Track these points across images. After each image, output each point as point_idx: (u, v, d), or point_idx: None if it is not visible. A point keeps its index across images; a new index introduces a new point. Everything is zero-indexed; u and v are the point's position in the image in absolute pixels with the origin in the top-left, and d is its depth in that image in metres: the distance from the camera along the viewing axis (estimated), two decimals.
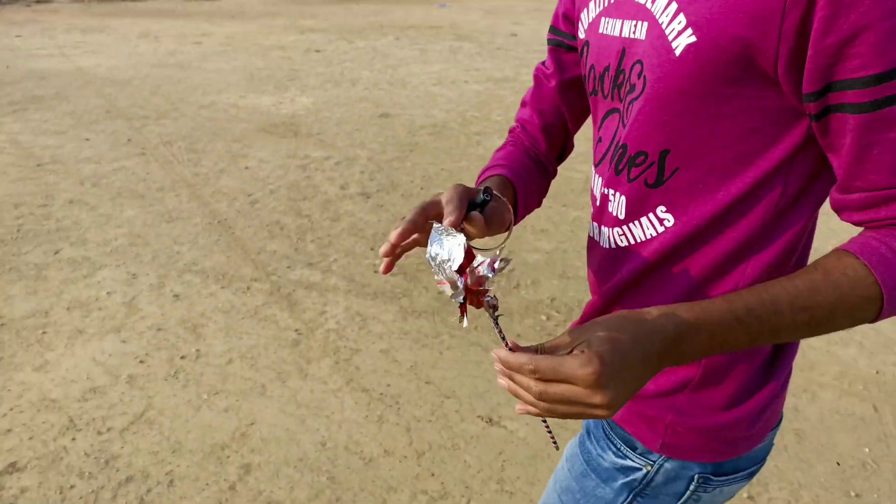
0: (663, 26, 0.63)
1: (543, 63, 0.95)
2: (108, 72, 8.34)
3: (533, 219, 3.74)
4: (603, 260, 0.81)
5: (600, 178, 0.80)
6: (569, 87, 0.91)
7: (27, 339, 2.62)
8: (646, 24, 0.66)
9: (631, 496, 0.81)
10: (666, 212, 0.71)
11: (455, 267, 0.57)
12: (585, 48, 0.80)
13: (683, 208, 0.69)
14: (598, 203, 0.82)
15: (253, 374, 2.45)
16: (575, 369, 0.51)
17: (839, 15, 0.52)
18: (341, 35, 12.79)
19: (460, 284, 0.58)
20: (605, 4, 0.75)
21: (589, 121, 0.93)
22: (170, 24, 14.55)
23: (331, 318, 2.85)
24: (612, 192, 0.76)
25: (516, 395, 0.57)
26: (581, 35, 0.82)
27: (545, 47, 0.97)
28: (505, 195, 0.80)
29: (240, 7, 19.69)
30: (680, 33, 0.61)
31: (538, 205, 0.95)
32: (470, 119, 6.18)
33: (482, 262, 0.59)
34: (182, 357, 2.54)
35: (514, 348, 0.56)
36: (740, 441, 0.76)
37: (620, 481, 0.81)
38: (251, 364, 2.51)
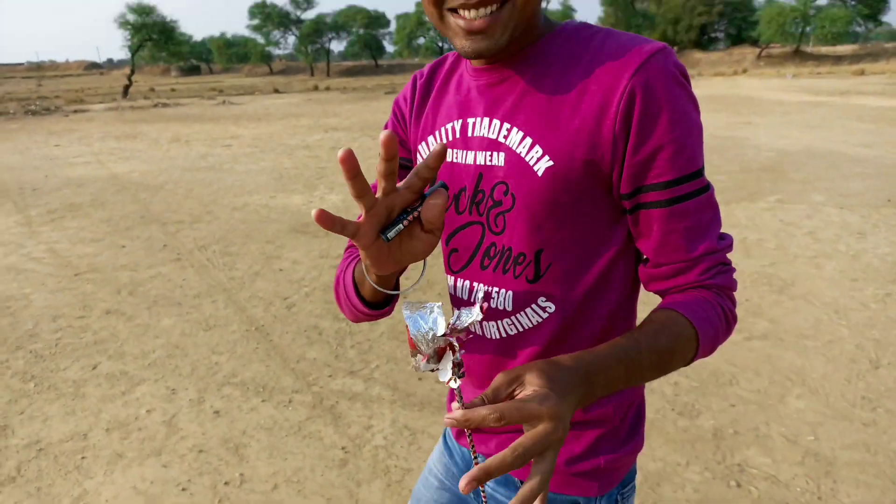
0: (522, 155, 0.78)
1: None
2: (141, 177, 8.61)
3: None
4: (496, 349, 0.89)
5: (469, 282, 0.89)
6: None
7: (65, 466, 2.51)
8: (503, 153, 0.80)
9: None
10: (546, 301, 0.83)
11: (440, 332, 0.61)
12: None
13: (561, 296, 0.83)
14: (473, 297, 0.89)
15: (301, 501, 2.30)
16: (537, 406, 0.57)
17: (643, 140, 0.72)
18: (363, 132, 13.19)
19: (456, 345, 0.62)
20: (451, 138, 0.87)
21: None
22: (199, 127, 15.15)
23: (377, 432, 2.71)
24: (496, 289, 0.86)
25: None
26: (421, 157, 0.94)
27: None
28: None
29: (265, 110, 20.55)
30: (539, 159, 0.77)
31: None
32: None
33: (457, 317, 0.63)
34: (226, 483, 2.40)
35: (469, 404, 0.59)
36: (630, 463, 0.93)
37: None
38: (298, 489, 2.37)
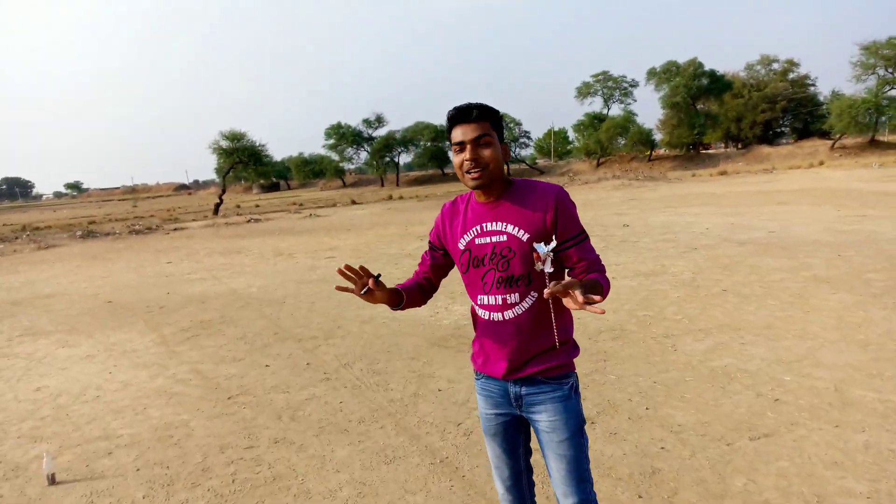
0: (514, 234, 1.82)
1: (426, 252, 2.17)
2: (260, 291, 8.68)
3: None
4: (510, 324, 1.88)
5: (492, 297, 1.88)
6: (436, 267, 2.13)
7: None
8: (505, 235, 1.83)
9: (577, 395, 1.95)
10: (534, 292, 1.85)
11: (548, 249, 1.78)
12: (466, 252, 1.91)
13: (537, 291, 1.85)
14: (496, 302, 1.88)
15: None
16: (572, 280, 1.55)
17: (562, 220, 1.81)
18: None
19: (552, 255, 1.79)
20: (475, 234, 1.89)
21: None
22: (294, 240, 15.56)
23: None
24: (509, 295, 1.85)
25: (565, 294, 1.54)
26: (459, 246, 1.93)
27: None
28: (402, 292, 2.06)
29: (350, 220, 21.13)
30: (523, 234, 1.81)
31: (419, 304, 2.16)
32: (645, 319, 5.80)
33: (545, 247, 1.78)
34: None
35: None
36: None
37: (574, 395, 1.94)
38: None
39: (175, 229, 22.51)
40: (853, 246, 8.71)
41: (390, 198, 36.42)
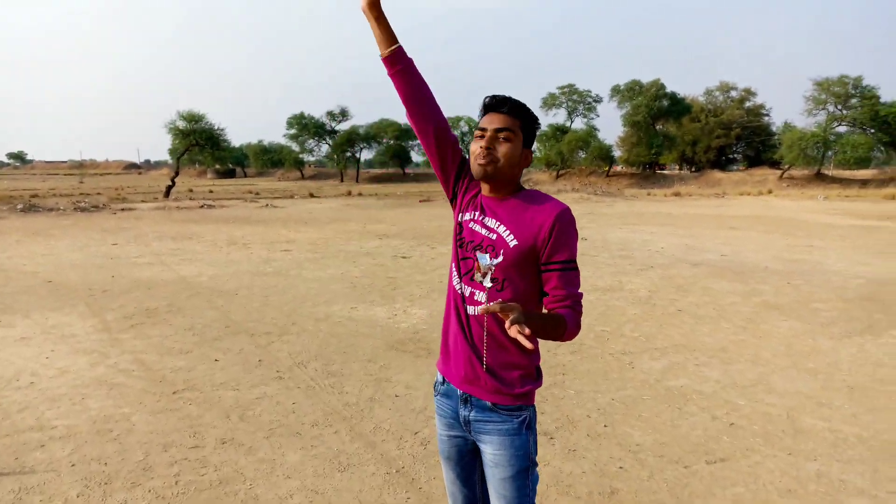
0: (504, 237, 1.70)
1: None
2: (211, 281, 8.39)
3: None
4: (474, 323, 1.75)
5: (465, 287, 1.78)
6: (446, 134, 1.86)
7: None
8: (495, 234, 1.72)
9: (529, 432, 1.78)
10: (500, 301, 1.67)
11: (489, 263, 1.70)
12: (459, 225, 1.84)
13: (512, 299, 1.72)
14: (466, 293, 1.78)
15: None
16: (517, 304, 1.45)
17: (555, 240, 1.66)
18: (419, 240, 13.09)
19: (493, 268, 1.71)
20: (475, 218, 1.78)
21: None
22: (250, 230, 15.19)
23: None
24: (478, 291, 1.74)
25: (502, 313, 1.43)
26: (457, 218, 1.87)
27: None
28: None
29: (308, 213, 20.79)
30: (512, 240, 1.68)
31: (414, 78, 1.84)
32: (603, 335, 5.82)
33: (488, 259, 1.71)
34: None
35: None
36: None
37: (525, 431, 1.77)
38: None
39: (123, 209, 21.69)
40: (801, 275, 8.99)
41: (349, 193, 36.04)
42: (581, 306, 1.68)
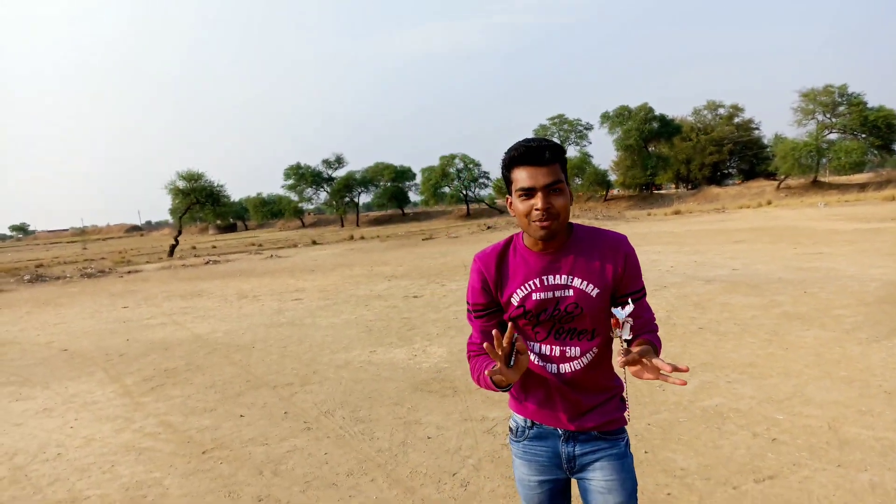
0: (582, 288, 1.66)
1: (476, 321, 1.83)
2: (226, 336, 8.35)
3: None
4: (568, 380, 1.74)
5: (546, 347, 1.73)
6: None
7: None
8: (571, 290, 1.66)
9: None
10: (595, 348, 1.73)
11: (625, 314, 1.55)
12: (520, 308, 1.70)
13: (599, 346, 1.74)
14: (553, 353, 1.73)
15: None
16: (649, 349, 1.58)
17: (628, 271, 1.69)
18: (427, 279, 13.08)
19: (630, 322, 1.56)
20: (532, 288, 1.69)
21: None
22: (257, 282, 15.19)
23: None
24: (569, 347, 1.71)
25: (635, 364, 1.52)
26: (512, 302, 1.71)
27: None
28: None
29: (313, 261, 20.84)
30: (593, 290, 1.66)
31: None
32: None
33: (624, 312, 1.56)
34: None
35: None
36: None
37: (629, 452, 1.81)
38: None
39: (129, 272, 21.74)
40: (816, 283, 8.94)
41: (352, 238, 36.16)
42: (656, 326, 1.78)
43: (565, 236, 1.71)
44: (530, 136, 1.75)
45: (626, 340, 1.55)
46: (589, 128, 57.51)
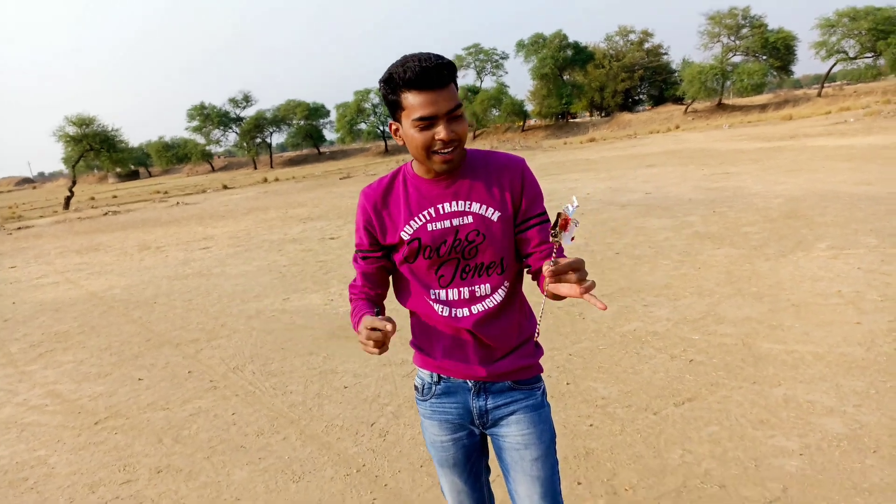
0: (482, 213, 1.48)
1: (361, 262, 1.62)
2: (125, 292, 7.75)
3: None
4: (478, 320, 1.52)
5: (456, 289, 1.53)
6: (383, 274, 1.63)
7: None
8: (470, 216, 1.48)
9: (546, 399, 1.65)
10: (507, 282, 1.54)
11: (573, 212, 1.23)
12: (414, 241, 1.50)
13: (512, 276, 1.55)
14: (461, 297, 1.53)
15: None
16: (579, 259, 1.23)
17: (527, 193, 1.51)
18: (344, 219, 12.66)
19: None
20: (427, 218, 1.50)
21: None
22: (162, 232, 14.31)
23: None
24: (477, 286, 1.52)
25: (567, 281, 1.22)
26: (402, 236, 1.51)
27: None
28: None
29: (224, 206, 19.88)
30: (493, 214, 1.48)
31: None
32: None
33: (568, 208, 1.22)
34: None
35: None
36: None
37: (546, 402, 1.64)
38: None
39: (20, 228, 20.03)
40: (724, 202, 9.18)
41: (265, 180, 34.73)
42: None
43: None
44: None
45: (556, 254, 1.26)
46: (505, 57, 56.90)
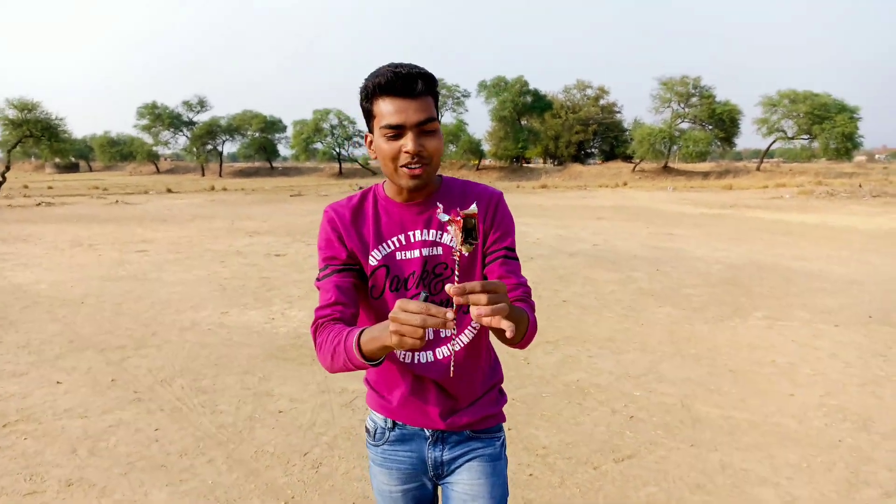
0: (453, 244, 1.20)
1: (332, 278, 1.40)
2: (52, 289, 7.32)
3: None
4: (444, 366, 1.42)
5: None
6: (356, 292, 1.41)
7: None
8: (440, 247, 1.40)
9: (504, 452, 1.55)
10: (474, 324, 1.44)
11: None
12: (382, 268, 1.40)
13: (481, 329, 1.46)
14: (429, 338, 1.42)
15: None
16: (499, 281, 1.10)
17: (497, 225, 1.42)
18: (293, 237, 12.43)
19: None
20: (396, 246, 1.41)
21: None
22: (98, 230, 13.71)
23: None
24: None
25: (474, 304, 1.05)
26: (370, 262, 1.40)
27: None
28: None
29: (167, 210, 19.28)
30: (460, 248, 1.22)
31: None
32: None
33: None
34: None
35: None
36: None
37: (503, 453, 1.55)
38: None
39: None
40: (668, 262, 9.46)
41: (213, 188, 33.88)
42: (533, 302, 1.44)
43: (434, 186, 1.45)
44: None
45: (458, 256, 1.15)
46: (466, 95, 57.74)
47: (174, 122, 56.51)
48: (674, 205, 22.57)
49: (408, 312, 1.05)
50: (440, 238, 1.41)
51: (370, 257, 1.42)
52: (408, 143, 1.28)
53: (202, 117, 57.66)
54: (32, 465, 3.18)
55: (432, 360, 1.43)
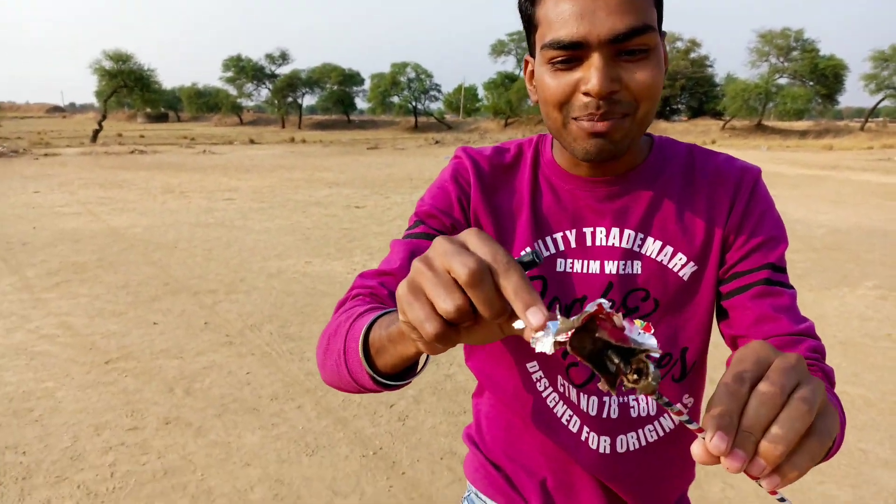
0: (664, 262, 0.81)
1: (411, 240, 0.84)
2: (146, 232, 7.63)
3: None
4: (638, 460, 0.86)
5: (585, 398, 0.84)
6: None
7: None
8: (639, 262, 0.82)
9: None
10: (689, 397, 0.87)
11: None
12: (537, 283, 0.82)
13: (697, 389, 0.89)
14: (593, 411, 0.84)
15: None
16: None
17: (745, 226, 0.81)
18: (371, 189, 12.48)
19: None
20: (562, 248, 0.83)
21: None
22: (186, 178, 14.21)
23: None
24: (632, 398, 0.85)
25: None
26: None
27: None
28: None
29: (249, 161, 19.76)
30: (683, 266, 0.81)
31: None
32: None
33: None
34: None
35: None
36: None
37: None
38: None
39: (46, 154, 20.06)
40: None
41: (293, 140, 34.60)
42: (823, 348, 0.79)
43: (639, 154, 0.85)
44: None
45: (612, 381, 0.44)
46: None
47: (257, 74, 57.81)
48: (769, 164, 21.26)
49: (434, 273, 0.45)
50: (642, 246, 0.82)
51: (523, 254, 0.76)
52: (591, 74, 0.69)
53: (283, 70, 58.70)
54: (133, 402, 3.31)
55: (606, 449, 0.86)
